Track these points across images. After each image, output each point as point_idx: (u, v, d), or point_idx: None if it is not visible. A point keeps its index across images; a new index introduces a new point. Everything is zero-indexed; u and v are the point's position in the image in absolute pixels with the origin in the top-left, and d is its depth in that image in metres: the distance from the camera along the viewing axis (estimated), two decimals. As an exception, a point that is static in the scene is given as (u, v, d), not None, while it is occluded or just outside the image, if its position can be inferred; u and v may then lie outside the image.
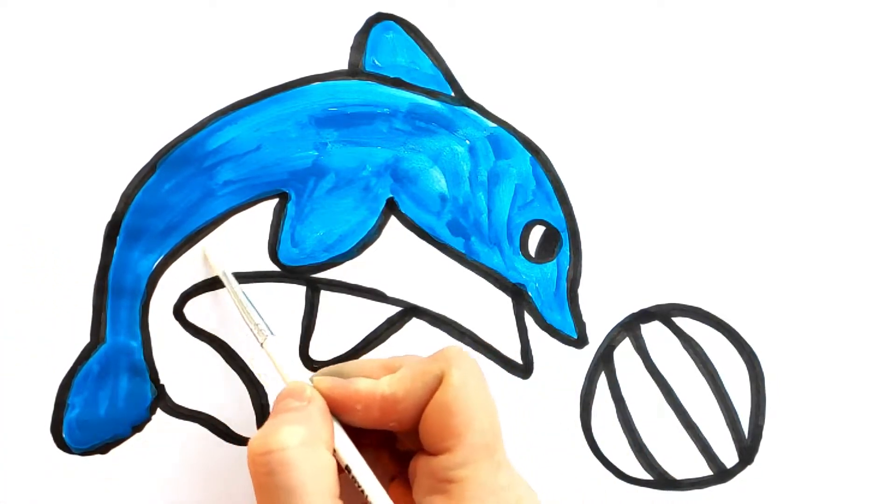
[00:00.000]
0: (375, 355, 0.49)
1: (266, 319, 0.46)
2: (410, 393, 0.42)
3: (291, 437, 0.40)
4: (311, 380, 0.43)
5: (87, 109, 0.48)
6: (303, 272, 0.49)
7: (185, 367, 0.48)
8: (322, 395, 0.42)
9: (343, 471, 0.42)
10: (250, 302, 0.46)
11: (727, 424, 0.50)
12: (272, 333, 0.45)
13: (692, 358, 0.51)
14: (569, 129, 0.51)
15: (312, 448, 0.40)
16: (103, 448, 0.48)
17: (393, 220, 0.50)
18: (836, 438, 0.51)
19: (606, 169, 0.51)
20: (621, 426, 0.50)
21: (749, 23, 0.52)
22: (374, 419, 0.42)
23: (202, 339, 0.48)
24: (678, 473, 0.50)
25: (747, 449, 0.51)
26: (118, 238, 0.48)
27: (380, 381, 0.42)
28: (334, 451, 0.42)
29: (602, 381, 0.50)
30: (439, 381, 0.42)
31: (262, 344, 0.45)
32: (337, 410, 0.42)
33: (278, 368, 0.44)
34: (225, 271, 0.47)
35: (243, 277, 0.49)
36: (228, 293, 0.47)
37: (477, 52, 0.50)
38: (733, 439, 0.50)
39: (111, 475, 0.48)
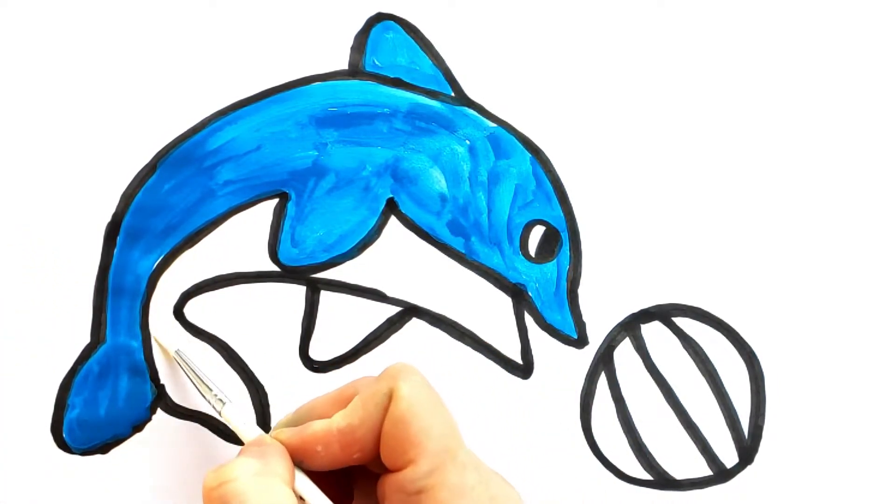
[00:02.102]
0: (375, 355, 0.49)
1: (221, 387, 0.47)
2: (364, 419, 0.41)
3: (245, 467, 0.39)
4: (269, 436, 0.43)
5: (87, 109, 0.48)
6: (303, 272, 0.49)
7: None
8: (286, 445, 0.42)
9: None
10: (206, 374, 0.46)
11: (727, 424, 0.50)
12: (229, 401, 0.45)
13: (692, 358, 0.51)
14: (569, 129, 0.51)
15: (267, 478, 0.39)
16: (103, 448, 0.48)
17: (393, 220, 0.50)
18: (836, 438, 0.51)
19: (606, 169, 0.51)
20: (621, 426, 0.50)
21: (749, 23, 0.52)
22: (335, 456, 0.42)
23: (202, 339, 0.48)
24: (678, 473, 0.50)
25: (747, 449, 0.51)
26: (118, 238, 0.48)
27: (333, 418, 0.42)
28: (293, 489, 0.41)
29: (602, 381, 0.50)
30: (389, 399, 0.41)
31: (220, 413, 0.45)
32: (299, 458, 0.42)
33: (237, 432, 0.44)
34: (178, 350, 0.47)
35: (243, 277, 0.49)
36: (184, 371, 0.47)
37: (477, 52, 0.50)
38: (733, 439, 0.50)
39: (111, 475, 0.48)
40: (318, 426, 0.42)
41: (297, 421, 0.43)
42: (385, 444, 0.41)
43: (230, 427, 0.44)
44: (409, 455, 0.40)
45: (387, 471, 0.42)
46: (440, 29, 0.50)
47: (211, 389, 0.45)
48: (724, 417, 0.50)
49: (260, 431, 0.43)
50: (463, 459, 0.41)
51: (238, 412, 0.44)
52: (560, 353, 0.50)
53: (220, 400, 0.45)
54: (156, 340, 0.48)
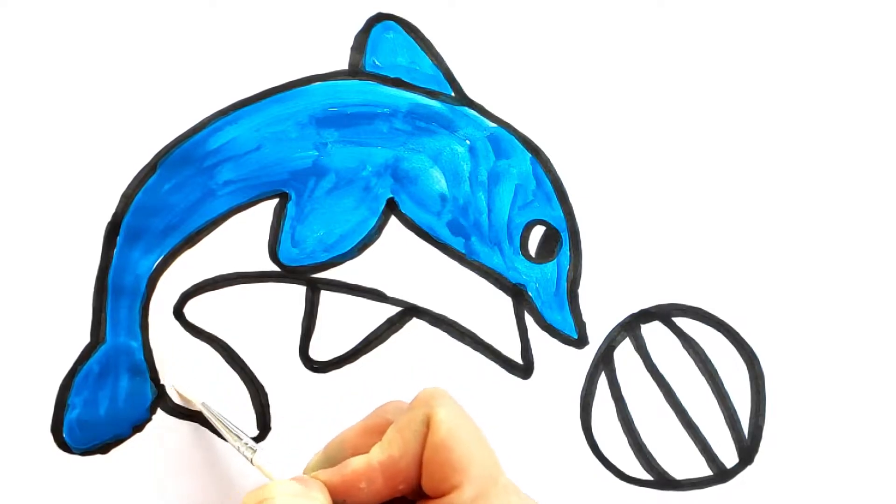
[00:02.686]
0: (375, 355, 0.49)
1: (248, 435, 0.46)
2: (405, 449, 0.40)
3: (285, 487, 0.39)
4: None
5: (87, 109, 0.48)
6: (303, 272, 0.49)
7: (185, 368, 0.48)
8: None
9: None
10: (232, 423, 0.46)
11: (727, 424, 0.50)
12: (259, 448, 0.44)
13: (692, 358, 0.51)
14: (569, 129, 0.51)
15: (307, 499, 0.39)
16: (103, 448, 0.48)
17: (393, 220, 0.50)
18: (836, 438, 0.51)
19: (606, 169, 0.51)
20: (621, 426, 0.50)
21: (749, 23, 0.52)
22: (379, 491, 0.40)
23: (202, 339, 0.48)
24: (678, 473, 0.50)
25: (747, 449, 0.51)
26: (118, 238, 0.48)
27: (371, 453, 0.40)
28: None
29: (602, 381, 0.50)
30: (427, 426, 0.40)
31: (251, 460, 0.44)
32: (341, 497, 0.40)
33: (271, 478, 0.43)
34: (203, 402, 0.47)
35: (243, 277, 0.49)
36: (212, 421, 0.47)
37: (477, 52, 0.50)
38: (733, 439, 0.50)
39: (111, 475, 0.47)
40: (357, 463, 0.40)
41: (328, 459, 0.42)
42: (427, 471, 0.40)
43: (263, 473, 0.43)
44: (453, 481, 0.39)
45: (427, 497, 0.41)
46: (440, 29, 0.50)
47: (241, 438, 0.45)
48: (724, 417, 0.51)
49: (297, 474, 0.42)
50: (504, 483, 0.41)
51: (271, 457, 0.43)
52: (560, 353, 0.50)
53: (251, 448, 0.44)
54: (178, 392, 0.48)
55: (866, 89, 0.52)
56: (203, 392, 0.48)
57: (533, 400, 0.50)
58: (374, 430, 0.42)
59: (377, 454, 0.40)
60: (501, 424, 0.50)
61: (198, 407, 0.47)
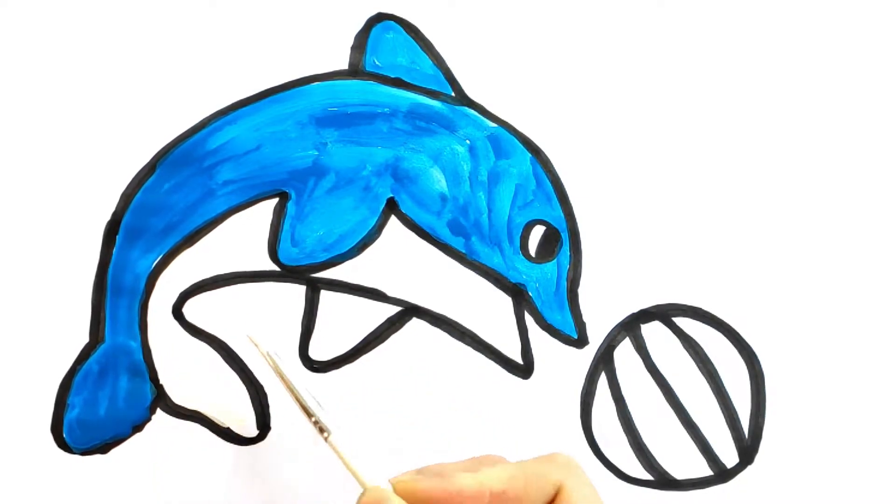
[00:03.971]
0: (375, 355, 0.49)
1: (326, 413, 0.41)
2: (523, 497, 0.36)
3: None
4: (392, 483, 0.37)
5: (87, 109, 0.48)
6: (303, 272, 0.49)
7: (184, 367, 0.48)
8: (417, 497, 0.36)
9: None
10: (310, 394, 0.41)
11: (727, 424, 0.50)
12: (337, 427, 0.39)
13: (692, 358, 0.51)
14: (569, 129, 0.51)
15: None
16: (103, 448, 0.48)
17: (393, 219, 0.50)
18: (836, 438, 0.51)
19: (606, 169, 0.51)
20: (621, 426, 0.50)
21: (749, 23, 0.52)
22: None
23: (201, 339, 0.48)
24: (678, 473, 0.50)
25: (747, 449, 0.51)
26: (118, 237, 0.48)
27: (481, 476, 0.36)
28: None
29: (602, 381, 0.50)
30: (556, 490, 0.37)
31: (326, 439, 0.39)
32: None
33: (351, 469, 0.38)
34: (274, 356, 0.42)
35: (243, 277, 0.49)
36: (286, 383, 0.42)
37: (477, 52, 0.51)
38: (733, 439, 0.50)
39: (111, 475, 0.47)
40: (466, 482, 0.36)
41: (425, 472, 0.38)
42: None
43: (341, 459, 0.39)
44: None
45: None
46: (440, 29, 0.50)
47: (315, 413, 0.40)
48: (724, 417, 0.50)
49: (383, 480, 0.37)
50: None
51: (349, 443, 0.39)
52: (560, 353, 0.50)
53: (325, 427, 0.40)
54: (251, 340, 0.43)
55: (866, 89, 0.52)
56: (202, 394, 0.48)
57: (533, 400, 0.50)
58: (482, 460, 0.38)
59: (491, 482, 0.36)
60: (501, 424, 0.50)
61: (270, 359, 0.42)
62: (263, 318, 0.49)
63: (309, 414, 0.40)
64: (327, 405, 0.48)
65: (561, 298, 0.50)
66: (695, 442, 0.50)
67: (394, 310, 0.49)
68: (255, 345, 0.43)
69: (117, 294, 0.48)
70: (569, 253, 0.50)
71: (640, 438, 0.50)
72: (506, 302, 0.50)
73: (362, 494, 0.37)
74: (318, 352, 0.49)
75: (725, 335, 0.51)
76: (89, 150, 0.48)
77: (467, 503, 0.36)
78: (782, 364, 0.51)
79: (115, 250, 0.48)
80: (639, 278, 0.51)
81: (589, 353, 0.50)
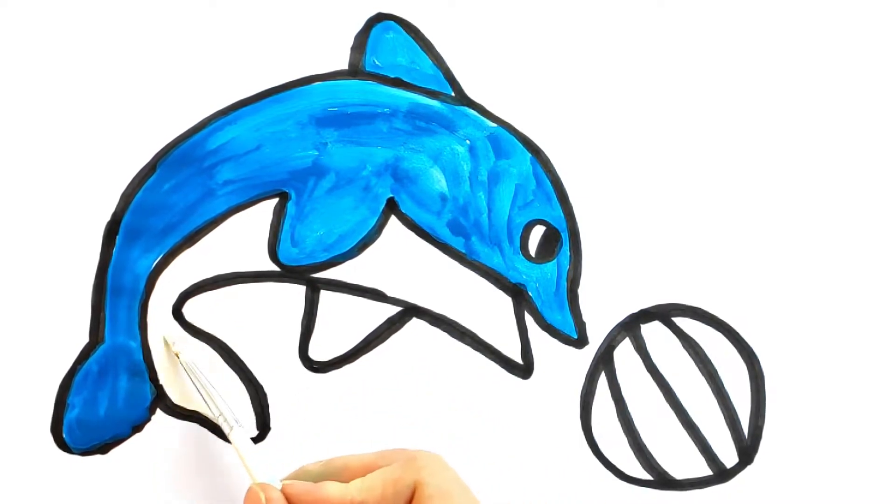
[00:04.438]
0: (375, 355, 0.49)
1: (232, 409, 0.45)
2: (383, 501, 0.40)
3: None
4: (281, 482, 0.42)
5: (87, 109, 0.48)
6: (303, 272, 0.49)
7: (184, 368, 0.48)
8: (290, 501, 0.41)
9: None
10: (216, 391, 0.46)
11: (727, 424, 0.50)
12: (238, 425, 0.44)
13: (692, 358, 0.51)
14: (569, 129, 0.51)
15: None
16: (103, 448, 0.47)
17: (393, 219, 0.50)
18: (836, 438, 0.51)
19: (606, 169, 0.51)
20: (621, 426, 0.50)
21: (749, 23, 0.52)
22: None
23: (201, 339, 0.48)
24: (678, 473, 0.50)
25: (747, 449, 0.51)
26: (118, 237, 0.48)
27: (349, 486, 0.41)
28: None
29: (602, 381, 0.50)
30: (412, 492, 0.40)
31: (227, 434, 0.44)
32: None
33: (245, 463, 0.43)
34: (186, 360, 0.47)
35: (243, 277, 0.49)
36: (194, 383, 0.46)
37: (477, 52, 0.51)
38: (733, 439, 0.50)
39: (111, 475, 0.47)
40: (333, 490, 0.41)
41: (324, 473, 0.42)
42: None
43: (237, 454, 0.43)
44: None
45: None
46: (440, 29, 0.50)
47: (219, 407, 0.45)
48: (724, 417, 0.51)
49: (270, 475, 0.42)
50: None
51: (247, 440, 0.44)
52: (560, 353, 0.50)
53: (228, 421, 0.44)
54: (165, 341, 0.48)
55: (866, 89, 0.52)
56: (200, 394, 0.48)
57: (533, 400, 0.50)
58: (359, 470, 0.42)
59: (353, 492, 0.41)
60: (501, 424, 0.50)
61: (182, 359, 0.47)
62: (263, 318, 0.49)
63: (215, 410, 0.45)
64: (327, 405, 0.48)
65: (561, 298, 0.50)
66: (694, 442, 0.50)
67: (394, 310, 0.49)
68: (167, 344, 0.47)
69: (117, 294, 0.48)
70: (569, 253, 0.50)
71: (640, 438, 0.50)
72: (506, 302, 0.50)
73: (249, 488, 0.42)
74: (318, 352, 0.49)
75: (725, 335, 0.51)
76: (89, 150, 0.48)
77: None
78: (782, 364, 0.51)
79: (115, 250, 0.48)
80: (639, 278, 0.51)
81: (589, 353, 0.50)
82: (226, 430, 0.44)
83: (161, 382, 0.48)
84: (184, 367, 0.47)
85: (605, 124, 0.51)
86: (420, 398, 0.49)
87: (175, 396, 0.48)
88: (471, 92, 0.50)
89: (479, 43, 0.51)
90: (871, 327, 0.51)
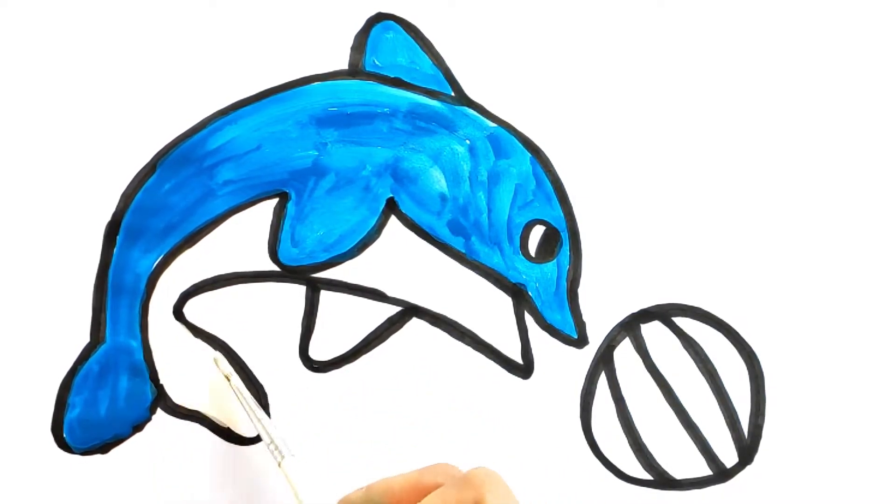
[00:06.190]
0: (375, 355, 0.49)
1: (283, 436, 0.44)
2: None
3: None
4: None
5: (87, 109, 0.48)
6: (303, 272, 0.49)
7: (184, 367, 0.48)
8: None
9: None
10: (267, 417, 0.45)
11: (727, 424, 0.50)
12: (291, 454, 0.43)
13: (692, 358, 0.51)
14: (569, 129, 0.51)
15: None
16: (104, 448, 0.48)
17: (393, 219, 0.50)
18: (836, 438, 0.51)
19: (606, 169, 0.51)
20: (621, 426, 0.50)
21: (749, 23, 0.52)
22: None
23: (202, 339, 0.48)
24: (678, 473, 0.50)
25: (747, 449, 0.51)
26: (118, 237, 0.48)
27: None
28: None
29: (602, 381, 0.50)
30: None
31: (279, 464, 0.43)
32: None
33: (297, 496, 0.42)
34: (237, 384, 0.46)
35: (243, 277, 0.49)
36: (245, 409, 0.46)
37: (477, 52, 0.51)
38: (733, 439, 0.50)
39: (111, 475, 0.47)
40: None
41: (366, 499, 0.41)
42: None
43: (291, 487, 0.42)
44: None
45: None
46: (440, 29, 0.50)
47: (272, 437, 0.44)
48: (724, 417, 0.50)
49: (321, 493, 0.42)
50: None
51: (301, 470, 0.43)
52: (560, 353, 0.50)
53: (280, 452, 0.43)
54: (216, 363, 0.47)
55: (865, 89, 0.52)
56: (202, 393, 0.48)
57: (533, 400, 0.50)
58: (423, 490, 0.40)
59: None
60: (501, 424, 0.50)
61: (232, 383, 0.46)
62: (263, 319, 0.49)
63: (266, 437, 0.44)
64: (327, 405, 0.48)
65: (561, 298, 0.50)
66: (694, 442, 0.50)
67: (394, 310, 0.49)
68: (218, 367, 0.46)
69: (118, 294, 0.48)
70: (569, 253, 0.50)
71: (640, 438, 0.50)
72: (506, 302, 0.50)
73: None
74: (318, 352, 0.49)
75: (725, 335, 0.51)
76: (89, 150, 0.48)
77: None
78: (782, 364, 0.51)
79: (115, 250, 0.48)
80: (639, 278, 0.51)
81: (589, 353, 0.50)
82: (277, 458, 0.43)
83: (162, 382, 0.48)
84: (235, 392, 0.46)
85: (605, 124, 0.51)
86: (420, 398, 0.49)
87: (176, 396, 0.48)
88: (471, 92, 0.50)
89: (479, 43, 0.51)
90: (870, 327, 0.51)
